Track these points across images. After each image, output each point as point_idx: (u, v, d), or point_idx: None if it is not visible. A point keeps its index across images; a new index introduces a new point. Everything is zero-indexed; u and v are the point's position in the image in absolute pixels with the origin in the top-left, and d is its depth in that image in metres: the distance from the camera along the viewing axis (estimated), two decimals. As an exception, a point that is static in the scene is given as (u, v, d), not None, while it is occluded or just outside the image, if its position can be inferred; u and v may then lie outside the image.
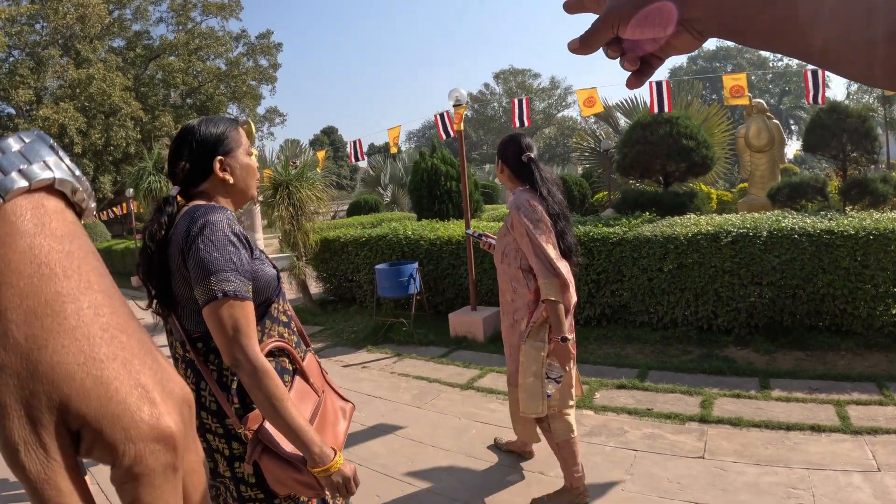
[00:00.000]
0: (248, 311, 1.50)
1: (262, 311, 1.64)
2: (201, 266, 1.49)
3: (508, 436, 3.83)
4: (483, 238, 3.49)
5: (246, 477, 1.66)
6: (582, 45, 0.62)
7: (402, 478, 3.50)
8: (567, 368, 2.90)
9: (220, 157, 1.73)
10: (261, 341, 1.60)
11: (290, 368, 1.71)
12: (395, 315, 7.26)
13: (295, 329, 1.81)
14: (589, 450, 3.61)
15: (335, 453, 1.52)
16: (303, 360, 1.76)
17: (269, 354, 1.62)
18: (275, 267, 1.76)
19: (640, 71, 0.64)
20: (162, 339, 1.68)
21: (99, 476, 3.92)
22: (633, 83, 0.66)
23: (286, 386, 1.63)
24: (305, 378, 1.73)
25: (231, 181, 1.75)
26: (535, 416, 2.94)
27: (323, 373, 1.88)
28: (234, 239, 1.54)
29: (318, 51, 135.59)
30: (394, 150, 7.78)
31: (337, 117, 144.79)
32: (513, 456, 3.65)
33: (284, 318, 1.74)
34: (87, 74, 27.01)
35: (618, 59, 0.63)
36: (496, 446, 3.75)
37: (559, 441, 2.99)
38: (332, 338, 7.27)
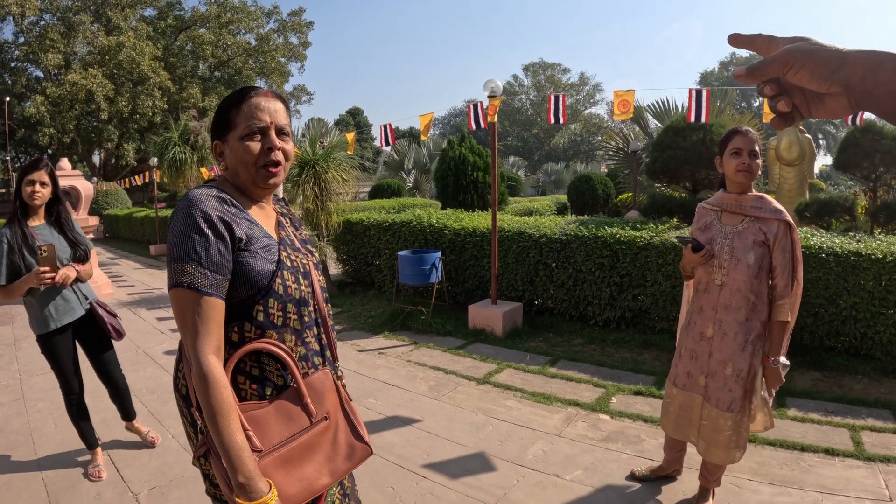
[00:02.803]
0: (205, 306, 1.37)
1: (243, 311, 1.46)
2: (168, 250, 1.42)
3: (518, 435, 3.86)
4: (706, 249, 2.84)
5: (210, 474, 1.53)
6: (748, 74, 0.71)
7: (417, 470, 3.54)
8: (772, 392, 2.82)
9: (216, 141, 1.58)
10: (237, 344, 1.47)
11: (279, 383, 1.52)
12: (414, 303, 7.32)
13: (311, 340, 1.60)
14: (605, 456, 3.64)
15: (269, 489, 1.34)
16: (307, 376, 1.56)
17: (253, 358, 1.49)
18: (297, 267, 1.57)
19: (784, 116, 0.73)
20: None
21: (115, 456, 4.00)
22: (779, 124, 0.75)
23: (267, 400, 1.49)
24: (298, 397, 1.52)
25: (225, 167, 1.58)
26: (763, 428, 2.86)
27: (343, 400, 1.65)
28: (203, 226, 1.38)
29: (348, 32, 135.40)
30: (424, 137, 7.77)
31: (363, 99, 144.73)
32: (529, 457, 3.67)
33: (296, 325, 1.54)
34: (118, 42, 27.13)
35: (762, 97, 0.74)
36: (633, 477, 3.36)
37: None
38: (349, 321, 7.34)
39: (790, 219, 2.72)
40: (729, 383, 2.76)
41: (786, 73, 0.68)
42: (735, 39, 0.75)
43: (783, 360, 2.71)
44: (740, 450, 2.81)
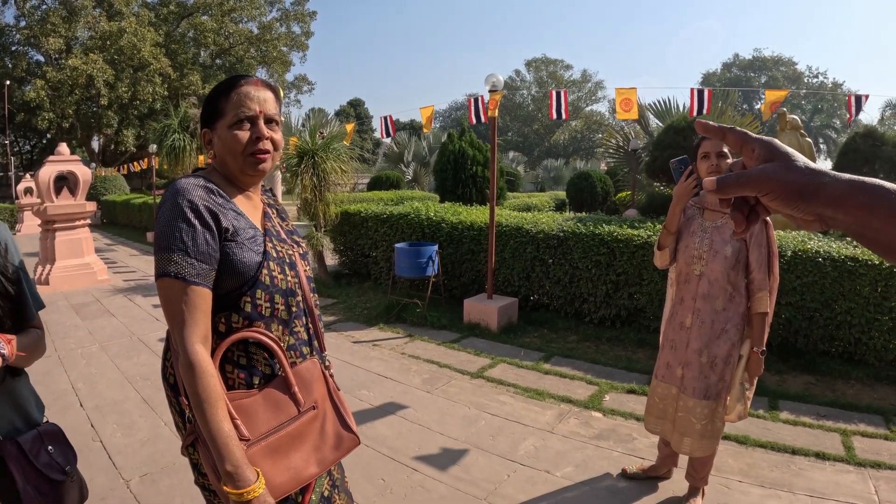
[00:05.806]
0: (193, 296, 1.37)
1: (230, 302, 1.46)
2: (155, 240, 1.43)
3: (510, 430, 3.86)
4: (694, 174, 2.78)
5: (198, 464, 1.52)
6: (719, 190, 0.66)
7: (408, 462, 3.55)
8: (753, 382, 2.93)
9: (205, 129, 1.57)
10: (225, 334, 1.46)
11: (267, 372, 1.51)
12: (410, 295, 7.32)
13: (299, 330, 1.60)
14: (596, 453, 3.65)
15: (257, 478, 1.34)
16: (295, 365, 1.55)
17: (240, 347, 1.48)
18: (283, 258, 1.56)
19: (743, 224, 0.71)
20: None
21: (107, 443, 3.99)
22: (740, 233, 0.72)
23: (255, 388, 1.48)
24: (286, 386, 1.51)
25: (213, 155, 1.57)
26: (737, 419, 2.94)
27: (330, 390, 1.64)
28: (190, 216, 1.39)
29: (351, 23, 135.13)
30: (427, 129, 7.76)
31: (364, 90, 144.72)
32: (520, 453, 3.68)
33: (283, 315, 1.54)
34: (119, 27, 27.05)
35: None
36: (625, 475, 3.40)
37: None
38: (344, 312, 7.33)
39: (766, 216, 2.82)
40: (704, 370, 2.87)
41: (760, 196, 0.65)
42: (704, 128, 0.72)
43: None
44: (714, 440, 2.90)
